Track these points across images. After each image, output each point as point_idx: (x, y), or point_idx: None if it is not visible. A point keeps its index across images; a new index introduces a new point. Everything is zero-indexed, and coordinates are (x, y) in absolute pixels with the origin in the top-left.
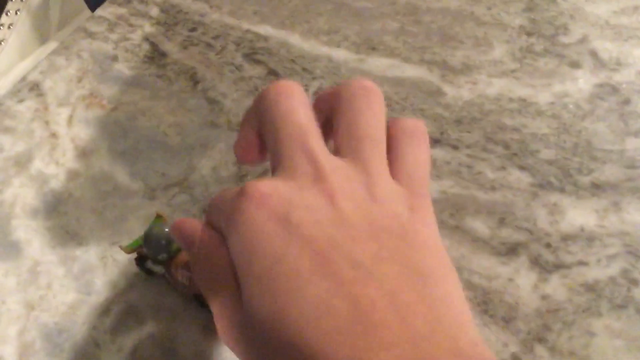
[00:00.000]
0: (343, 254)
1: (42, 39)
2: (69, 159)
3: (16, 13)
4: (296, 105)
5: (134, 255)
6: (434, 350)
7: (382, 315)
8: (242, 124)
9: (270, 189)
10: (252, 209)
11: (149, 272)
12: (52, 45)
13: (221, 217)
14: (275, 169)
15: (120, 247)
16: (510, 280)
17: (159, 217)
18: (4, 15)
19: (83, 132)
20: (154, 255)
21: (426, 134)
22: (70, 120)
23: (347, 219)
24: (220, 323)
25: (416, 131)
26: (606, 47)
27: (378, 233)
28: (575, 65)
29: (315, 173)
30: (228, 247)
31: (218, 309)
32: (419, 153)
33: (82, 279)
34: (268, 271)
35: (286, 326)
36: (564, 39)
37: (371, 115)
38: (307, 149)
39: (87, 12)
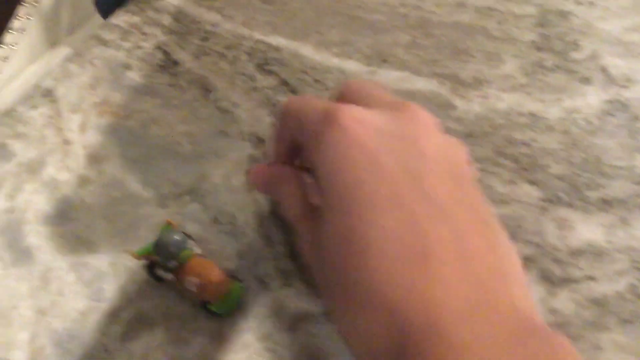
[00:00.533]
0: (421, 188)
1: (53, 43)
2: (81, 165)
3: (27, 17)
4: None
5: (144, 261)
6: (491, 298)
7: (447, 255)
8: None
9: (360, 116)
10: (340, 135)
11: (159, 279)
12: (62, 50)
13: (304, 134)
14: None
15: (130, 253)
16: None
17: (169, 224)
18: (15, 19)
19: (95, 139)
20: (164, 263)
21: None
22: (82, 127)
23: (430, 155)
24: (304, 245)
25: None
26: (616, 64)
27: (455, 174)
28: (585, 81)
29: (403, 106)
30: (311, 163)
31: (303, 232)
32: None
33: (92, 285)
34: (348, 195)
35: (353, 248)
36: (575, 55)
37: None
38: (391, 97)
39: (98, 17)
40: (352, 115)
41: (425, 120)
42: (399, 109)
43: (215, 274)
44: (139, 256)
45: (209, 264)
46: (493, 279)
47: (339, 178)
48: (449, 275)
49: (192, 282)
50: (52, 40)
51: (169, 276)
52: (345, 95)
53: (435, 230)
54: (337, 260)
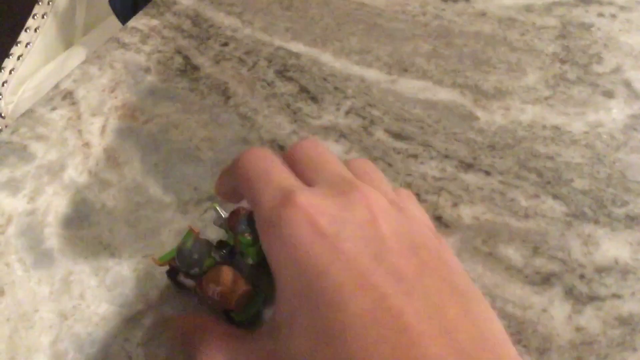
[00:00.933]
0: (386, 268)
1: (68, 43)
2: (101, 168)
3: (43, 17)
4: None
5: (166, 267)
6: None
7: (427, 328)
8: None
9: (316, 202)
10: (297, 219)
11: (180, 286)
12: (77, 49)
13: (258, 212)
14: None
15: (152, 259)
16: (544, 310)
17: (191, 231)
18: (30, 18)
19: (116, 143)
20: (186, 270)
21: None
22: (103, 130)
23: (388, 235)
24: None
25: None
26: None
27: (418, 248)
28: (609, 94)
29: (350, 187)
30: (265, 247)
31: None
32: (419, 208)
33: (114, 290)
34: (311, 285)
35: (330, 340)
36: (598, 68)
37: (378, 172)
38: (334, 168)
39: (113, 18)
40: (310, 202)
41: (378, 201)
42: (348, 193)
43: (237, 283)
44: (161, 262)
45: (231, 272)
46: (479, 350)
47: (301, 270)
48: (435, 349)
49: (214, 290)
50: (67, 40)
51: (190, 283)
52: (295, 160)
53: (410, 306)
54: (311, 354)
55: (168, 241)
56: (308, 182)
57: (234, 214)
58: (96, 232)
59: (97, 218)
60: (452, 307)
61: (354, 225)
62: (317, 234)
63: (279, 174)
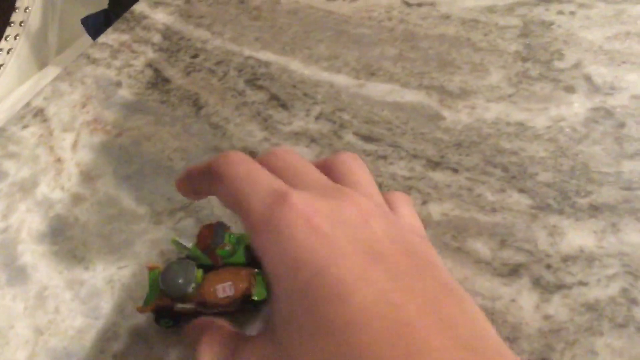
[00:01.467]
0: (382, 267)
1: (41, 63)
2: (74, 184)
3: (15, 38)
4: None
5: (141, 278)
6: None
7: (430, 322)
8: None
9: (312, 201)
10: (293, 218)
11: (176, 319)
12: (51, 69)
13: (248, 217)
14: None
15: (138, 309)
16: (513, 301)
17: (151, 269)
18: (3, 40)
19: (88, 157)
20: (184, 292)
21: (411, 201)
22: (75, 145)
23: (382, 236)
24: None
25: (405, 197)
26: (600, 72)
27: (409, 250)
28: (570, 89)
29: (341, 193)
30: (260, 250)
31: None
32: (411, 211)
33: (89, 303)
34: (310, 282)
35: (331, 334)
36: (559, 64)
37: (364, 171)
38: (323, 179)
39: (86, 37)
40: (305, 202)
41: (367, 206)
42: (337, 196)
43: (239, 270)
44: (145, 308)
45: (226, 268)
46: (482, 345)
47: (299, 268)
48: (437, 343)
49: (224, 287)
50: (40, 60)
51: (190, 305)
52: (271, 167)
53: (411, 302)
54: (312, 351)
55: (142, 252)
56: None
57: (201, 235)
58: (70, 246)
59: (71, 232)
60: (449, 305)
61: (348, 226)
62: (314, 232)
63: (265, 176)
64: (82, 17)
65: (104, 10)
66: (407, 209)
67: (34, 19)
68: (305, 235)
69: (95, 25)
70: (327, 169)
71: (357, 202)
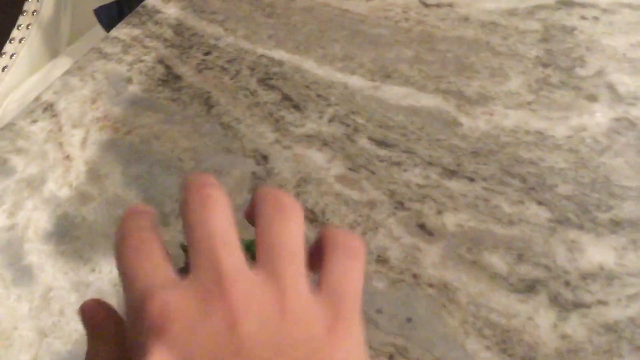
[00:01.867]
0: None
1: (53, 53)
2: (82, 182)
3: (27, 27)
4: (213, 214)
5: None
6: None
7: None
8: None
9: (172, 306)
10: (148, 328)
11: None
12: (62, 59)
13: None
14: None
15: None
16: (530, 319)
17: None
18: (15, 29)
19: (97, 155)
20: None
21: (362, 248)
22: (84, 142)
23: (249, 343)
24: None
25: (349, 244)
26: (624, 81)
27: (284, 355)
28: (592, 98)
29: (217, 286)
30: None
31: None
32: (349, 268)
33: None
34: None
35: None
36: (581, 72)
37: (287, 231)
38: (214, 258)
39: (98, 28)
40: (166, 307)
41: (242, 303)
42: (213, 290)
43: None
44: None
45: None
46: None
47: None
48: None
49: None
50: (52, 50)
51: None
52: (192, 239)
53: None
54: None
55: None
56: (192, 268)
57: None
58: (77, 247)
59: (78, 232)
60: None
61: (208, 334)
62: (164, 345)
63: (148, 263)
64: (95, 7)
65: (117, 1)
66: (341, 265)
67: (47, 8)
68: (157, 349)
69: (109, 16)
70: (250, 214)
71: (230, 298)
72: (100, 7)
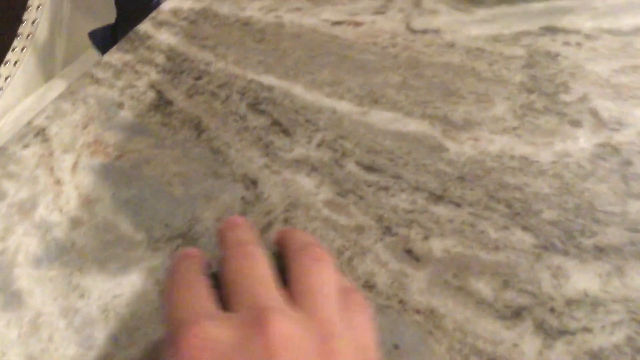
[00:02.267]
0: None
1: (48, 76)
2: (72, 207)
3: (22, 50)
4: (253, 265)
5: (136, 308)
6: None
7: None
8: None
9: (210, 337)
10: (186, 352)
11: None
12: (57, 82)
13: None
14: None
15: None
16: (515, 345)
17: None
18: (10, 52)
19: (87, 180)
20: None
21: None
22: (74, 167)
23: None
24: None
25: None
26: (607, 106)
27: None
28: (576, 124)
29: (258, 320)
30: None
31: None
32: (366, 323)
33: (83, 332)
34: None
35: None
36: (565, 97)
37: (322, 278)
38: (255, 297)
39: (93, 51)
40: (204, 337)
41: (279, 338)
42: (252, 325)
43: None
44: None
45: None
46: None
47: None
48: None
49: None
50: (47, 73)
51: None
52: (227, 280)
53: None
54: None
55: (138, 281)
56: (230, 306)
57: None
58: (66, 272)
59: (67, 258)
60: None
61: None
62: None
63: (193, 296)
64: (90, 30)
65: (112, 25)
66: (362, 319)
67: (41, 32)
68: None
69: (103, 39)
70: (288, 258)
71: (270, 333)
72: (95, 31)
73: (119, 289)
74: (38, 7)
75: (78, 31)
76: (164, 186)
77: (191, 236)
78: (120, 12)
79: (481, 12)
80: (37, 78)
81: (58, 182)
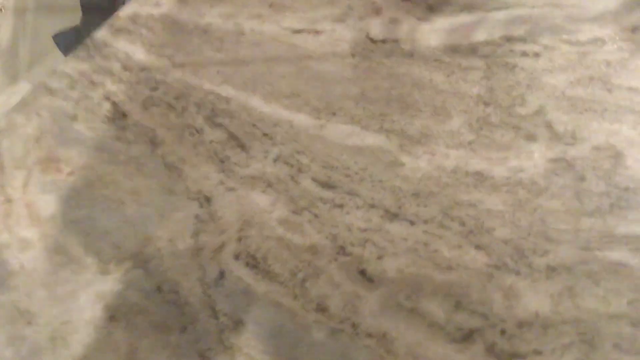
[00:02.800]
0: None
1: (12, 77)
2: (22, 227)
3: None
4: None
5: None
6: None
7: None
8: None
9: None
10: None
11: None
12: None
13: None
14: None
15: None
16: None
17: None
18: None
19: (38, 198)
20: None
21: None
22: (25, 184)
23: None
24: None
25: None
26: (562, 120)
27: None
28: (531, 138)
29: None
30: None
31: None
32: None
33: None
34: None
35: None
36: (521, 110)
37: None
38: None
39: (58, 52)
40: None
41: None
42: None
43: None
44: None
45: None
46: None
47: None
48: None
49: None
50: (11, 75)
51: None
52: None
53: None
54: None
55: (87, 306)
56: None
57: None
58: (14, 297)
59: (15, 281)
60: None
61: None
62: None
63: None
64: (54, 31)
65: (76, 28)
66: None
67: (4, 33)
68: None
69: (67, 42)
70: None
71: None
72: (59, 34)
73: (67, 314)
74: (0, 9)
75: (42, 32)
76: (116, 204)
77: (142, 258)
78: (85, 14)
79: (440, 21)
80: (1, 80)
81: (8, 200)
